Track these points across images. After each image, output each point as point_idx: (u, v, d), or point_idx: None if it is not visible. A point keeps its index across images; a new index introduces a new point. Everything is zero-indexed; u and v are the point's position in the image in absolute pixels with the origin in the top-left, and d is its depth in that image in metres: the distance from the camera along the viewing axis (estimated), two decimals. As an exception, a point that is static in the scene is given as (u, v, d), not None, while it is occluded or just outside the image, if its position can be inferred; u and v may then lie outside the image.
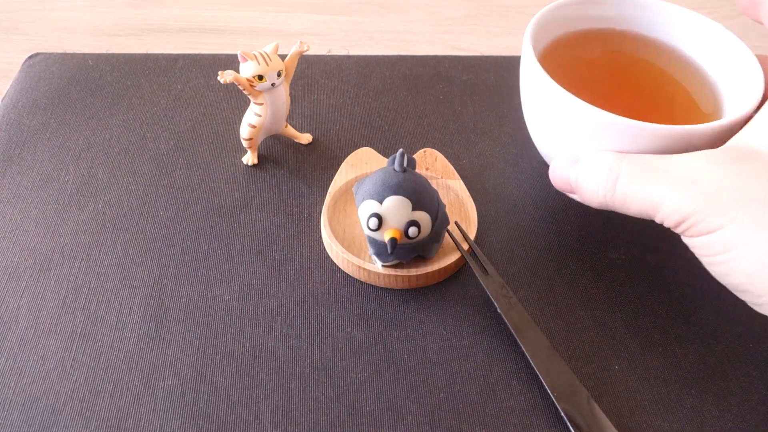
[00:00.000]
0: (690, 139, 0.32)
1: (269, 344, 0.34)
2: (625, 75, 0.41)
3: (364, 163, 0.41)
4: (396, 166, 0.34)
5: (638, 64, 0.41)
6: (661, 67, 0.41)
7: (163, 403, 0.31)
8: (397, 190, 0.33)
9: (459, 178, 0.41)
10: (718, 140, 0.34)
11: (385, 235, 0.33)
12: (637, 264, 0.38)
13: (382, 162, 0.41)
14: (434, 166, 0.41)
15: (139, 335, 0.34)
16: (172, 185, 0.41)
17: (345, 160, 0.42)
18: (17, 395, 0.31)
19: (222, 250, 0.38)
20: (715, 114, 0.37)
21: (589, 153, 0.32)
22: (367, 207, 0.33)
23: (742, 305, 0.36)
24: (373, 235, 0.34)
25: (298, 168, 0.43)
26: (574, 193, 0.33)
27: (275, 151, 0.44)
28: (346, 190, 0.40)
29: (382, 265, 0.35)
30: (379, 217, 0.33)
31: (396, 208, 0.33)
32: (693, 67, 0.40)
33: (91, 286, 0.36)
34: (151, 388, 0.32)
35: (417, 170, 0.39)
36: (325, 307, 0.35)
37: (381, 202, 0.33)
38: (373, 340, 0.34)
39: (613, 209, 0.31)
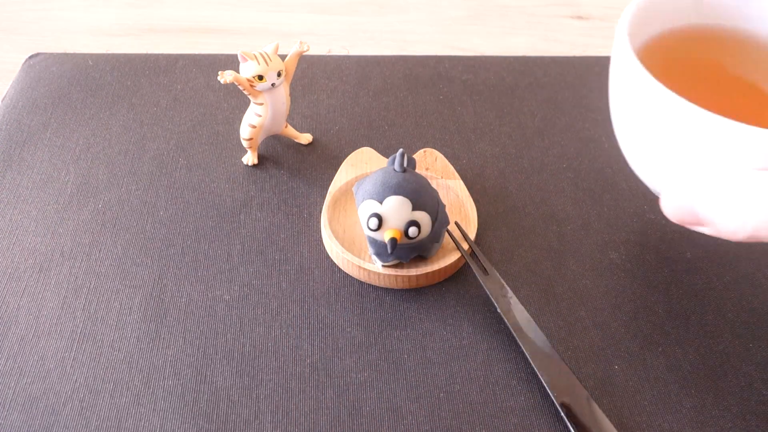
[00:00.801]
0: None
1: (269, 344, 0.34)
2: (736, 82, 0.33)
3: (364, 163, 0.41)
4: (396, 166, 0.34)
5: (746, 67, 0.34)
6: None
7: (163, 403, 0.31)
8: (397, 190, 0.33)
9: (459, 178, 0.41)
10: None
11: (385, 235, 0.33)
12: (637, 264, 0.38)
13: (382, 162, 0.41)
14: (434, 166, 0.41)
15: (139, 335, 0.34)
16: (172, 185, 0.41)
17: (345, 160, 0.42)
18: (17, 395, 0.31)
19: (222, 250, 0.38)
20: None
21: (722, 173, 0.24)
22: (367, 207, 0.33)
23: (742, 305, 0.36)
24: (373, 235, 0.34)
25: (298, 168, 0.43)
26: (702, 225, 0.26)
27: (275, 151, 0.44)
28: (346, 190, 0.40)
29: (382, 265, 0.35)
30: (379, 217, 0.33)
31: (396, 208, 0.33)
32: None
33: (91, 286, 0.36)
34: (151, 388, 0.32)
35: (417, 170, 0.39)
36: (325, 307, 0.35)
37: (381, 202, 0.33)
38: (373, 340, 0.34)
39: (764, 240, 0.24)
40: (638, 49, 0.31)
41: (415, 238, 0.33)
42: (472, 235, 0.37)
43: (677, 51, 0.33)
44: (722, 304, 0.36)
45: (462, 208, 0.39)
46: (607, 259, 0.38)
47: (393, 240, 0.32)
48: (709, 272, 0.38)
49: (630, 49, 0.29)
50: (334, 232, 0.37)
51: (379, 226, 0.33)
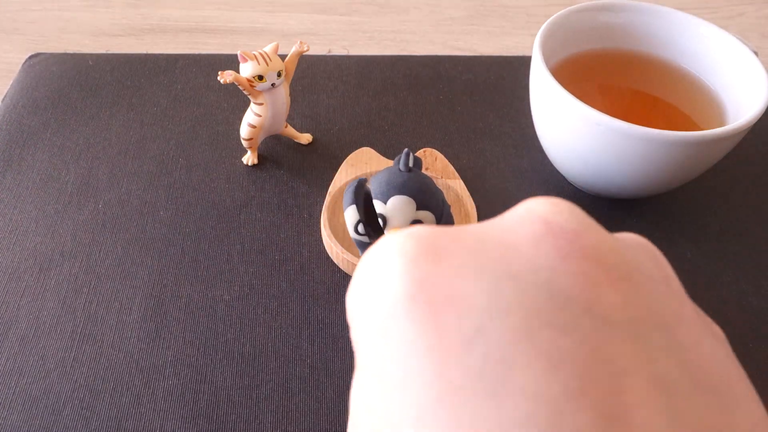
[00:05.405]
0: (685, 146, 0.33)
1: (269, 344, 0.34)
2: (631, 100, 0.42)
3: (364, 163, 0.41)
4: (401, 165, 0.34)
5: (643, 87, 0.42)
6: (666, 91, 0.42)
7: (163, 403, 0.31)
8: (401, 189, 0.33)
9: (459, 178, 0.41)
10: (723, 148, 0.35)
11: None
12: (637, 264, 0.38)
13: (382, 162, 0.41)
14: (434, 166, 0.41)
15: (140, 335, 0.34)
16: (172, 185, 0.41)
17: (345, 160, 0.42)
18: (17, 395, 0.31)
19: (222, 250, 0.38)
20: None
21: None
22: (352, 213, 0.33)
23: (742, 305, 0.36)
24: (360, 239, 0.33)
25: (298, 168, 0.43)
26: None
27: (275, 151, 0.44)
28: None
29: None
30: (383, 218, 0.33)
31: (400, 208, 0.33)
32: (702, 90, 0.41)
33: (91, 286, 0.36)
34: (151, 388, 0.32)
35: (417, 170, 0.38)
36: (325, 307, 0.35)
37: (385, 202, 0.33)
38: (373, 340, 0.34)
39: None
40: (552, 66, 0.39)
41: None
42: None
43: (583, 68, 0.42)
44: (722, 304, 0.36)
45: (462, 208, 0.39)
46: (607, 259, 0.38)
47: None
48: (709, 272, 0.38)
49: (543, 64, 0.36)
50: (333, 232, 0.37)
51: (384, 227, 0.33)
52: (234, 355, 0.33)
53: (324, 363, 0.33)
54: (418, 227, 0.15)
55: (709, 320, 0.16)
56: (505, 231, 0.14)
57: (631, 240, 0.15)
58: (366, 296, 0.14)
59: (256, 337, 0.34)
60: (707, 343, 0.14)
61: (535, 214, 0.14)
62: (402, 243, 0.14)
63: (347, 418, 0.31)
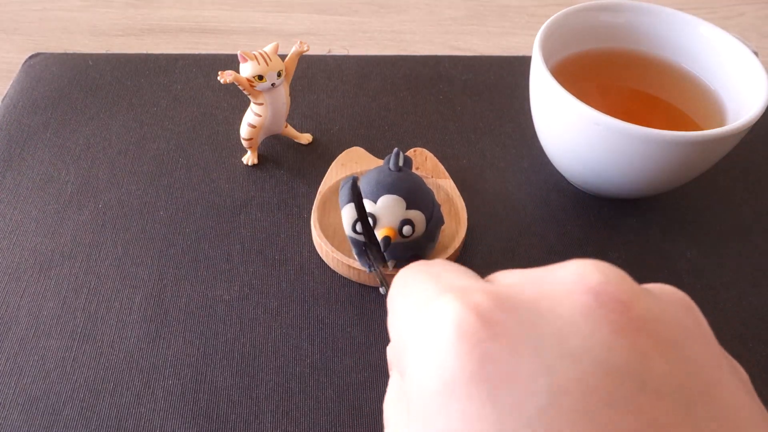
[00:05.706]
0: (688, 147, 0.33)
1: (269, 344, 0.34)
2: (631, 100, 0.42)
3: (354, 163, 0.41)
4: (391, 165, 0.34)
5: (643, 87, 0.42)
6: (667, 91, 0.42)
7: (163, 403, 0.31)
8: (390, 189, 0.33)
9: (449, 177, 0.40)
10: (723, 148, 0.35)
11: (379, 234, 0.33)
12: (636, 264, 0.38)
13: (372, 161, 0.41)
14: (424, 166, 0.41)
15: (139, 335, 0.34)
16: (172, 185, 0.41)
17: (335, 160, 0.41)
18: (17, 395, 0.31)
19: (222, 250, 0.38)
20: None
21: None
22: (350, 211, 0.33)
23: (742, 305, 0.36)
24: (356, 237, 0.33)
25: (298, 168, 0.43)
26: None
27: (275, 151, 0.44)
28: (336, 190, 0.39)
29: (367, 272, 0.35)
30: (373, 217, 0.33)
31: (390, 207, 0.33)
32: (702, 90, 0.41)
33: (91, 286, 0.36)
34: (151, 388, 0.32)
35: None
36: (325, 307, 0.35)
37: (375, 201, 0.33)
38: (373, 340, 0.34)
39: None
40: (552, 66, 0.39)
41: (409, 236, 0.33)
42: (462, 234, 0.37)
43: (583, 68, 0.42)
44: (722, 304, 0.36)
45: (452, 207, 0.39)
46: (607, 259, 0.38)
47: (387, 238, 0.32)
48: (709, 272, 0.38)
49: (543, 63, 0.36)
50: (324, 231, 0.37)
51: (374, 226, 0.33)
52: (234, 355, 0.33)
53: (324, 363, 0.33)
54: (471, 293, 0.15)
55: (735, 364, 0.17)
56: (558, 303, 0.15)
57: (670, 296, 0.16)
58: (418, 365, 0.15)
59: (256, 337, 0.34)
60: (741, 397, 0.15)
61: (585, 284, 0.15)
62: (458, 315, 0.14)
63: (347, 418, 0.31)
